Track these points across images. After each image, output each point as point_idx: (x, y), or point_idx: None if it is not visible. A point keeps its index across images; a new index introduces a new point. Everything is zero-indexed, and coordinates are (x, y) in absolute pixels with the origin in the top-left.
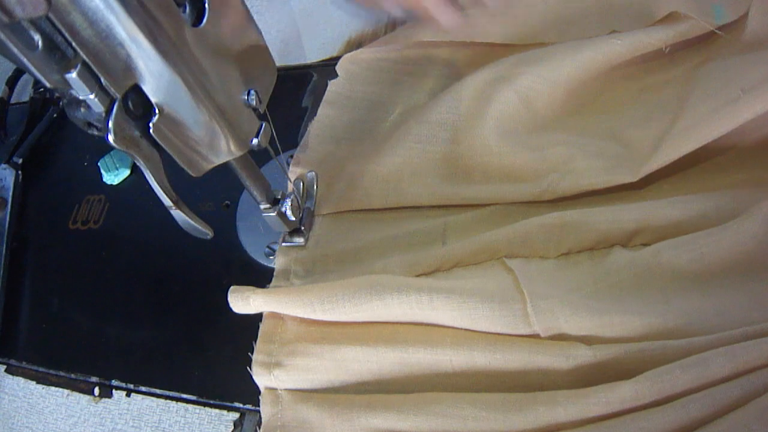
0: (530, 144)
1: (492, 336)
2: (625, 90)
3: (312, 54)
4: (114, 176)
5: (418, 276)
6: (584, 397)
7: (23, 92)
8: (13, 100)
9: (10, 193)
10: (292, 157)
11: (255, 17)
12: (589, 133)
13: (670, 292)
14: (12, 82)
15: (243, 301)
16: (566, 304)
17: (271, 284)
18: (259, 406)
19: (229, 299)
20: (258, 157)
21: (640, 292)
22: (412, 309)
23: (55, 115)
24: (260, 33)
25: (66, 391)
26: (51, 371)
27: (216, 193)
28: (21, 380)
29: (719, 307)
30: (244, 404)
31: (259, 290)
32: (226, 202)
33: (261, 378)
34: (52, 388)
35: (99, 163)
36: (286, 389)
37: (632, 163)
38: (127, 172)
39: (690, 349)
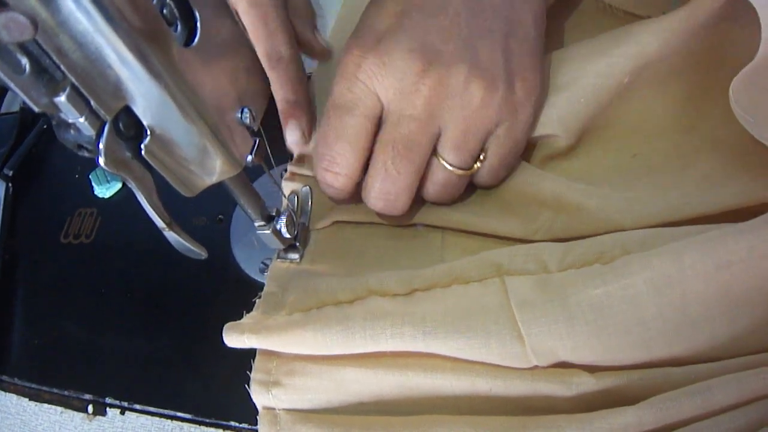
0: (525, 177)
1: (493, 365)
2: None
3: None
4: (105, 189)
5: (414, 291)
6: (587, 422)
7: (13, 102)
8: (3, 110)
9: (1, 206)
10: (286, 170)
11: None
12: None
13: (696, 315)
14: (1, 92)
15: (238, 340)
16: (567, 340)
17: (260, 305)
18: (256, 425)
19: (225, 337)
20: (251, 172)
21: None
22: (408, 348)
23: (45, 126)
24: (253, 49)
25: (60, 409)
26: (44, 388)
27: (209, 207)
28: (14, 397)
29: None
30: (241, 423)
31: (254, 327)
32: (220, 216)
33: (259, 397)
34: (45, 405)
35: (90, 176)
36: (284, 409)
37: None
38: (118, 185)
39: (694, 377)
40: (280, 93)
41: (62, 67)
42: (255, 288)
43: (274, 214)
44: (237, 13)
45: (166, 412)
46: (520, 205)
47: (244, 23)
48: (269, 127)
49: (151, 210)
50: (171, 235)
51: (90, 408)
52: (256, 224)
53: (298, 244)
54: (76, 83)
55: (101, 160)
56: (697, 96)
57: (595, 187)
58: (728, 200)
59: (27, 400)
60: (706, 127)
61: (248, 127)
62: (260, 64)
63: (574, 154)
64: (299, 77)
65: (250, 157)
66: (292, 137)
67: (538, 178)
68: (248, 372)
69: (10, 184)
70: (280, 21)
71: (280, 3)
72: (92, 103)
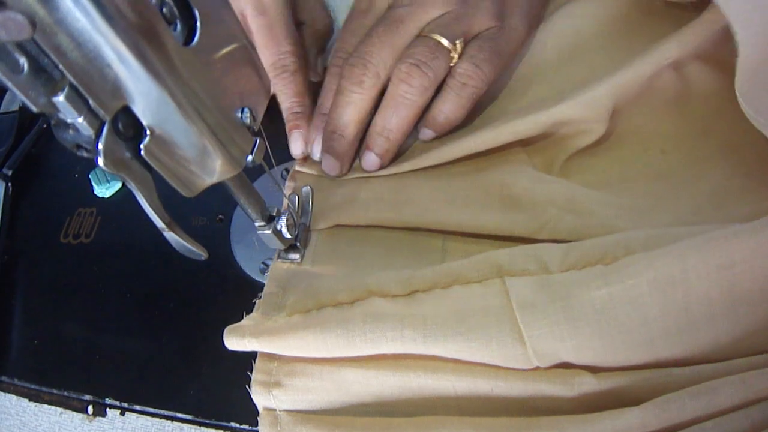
0: (533, 175)
1: (494, 366)
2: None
3: None
4: (105, 189)
5: (414, 292)
6: (590, 423)
7: (12, 101)
8: (2, 109)
9: (0, 206)
10: (287, 170)
11: None
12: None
13: (697, 315)
14: (0, 92)
15: (239, 343)
16: (569, 342)
17: (260, 306)
18: (256, 426)
19: (225, 341)
20: (251, 171)
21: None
22: (408, 350)
23: (45, 126)
24: (254, 48)
25: (59, 409)
26: (44, 389)
27: (209, 207)
28: (13, 397)
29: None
30: (241, 424)
31: (255, 330)
32: (220, 216)
33: (260, 398)
34: (45, 405)
35: (90, 176)
36: (284, 410)
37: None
38: (118, 185)
39: (698, 377)
40: (285, 103)
41: (60, 66)
42: (255, 288)
43: (274, 214)
44: (245, 19)
45: (166, 413)
46: (527, 202)
47: (251, 30)
48: (269, 127)
49: (151, 210)
50: (171, 236)
51: (90, 409)
52: (257, 224)
53: (298, 244)
54: (75, 83)
55: (100, 161)
56: (714, 99)
57: (609, 196)
58: (738, 218)
59: (26, 400)
60: (721, 131)
61: (248, 127)
62: (261, 64)
63: (600, 151)
64: (304, 87)
65: (250, 157)
66: (296, 147)
67: (550, 181)
68: (249, 372)
69: (9, 184)
70: (287, 31)
71: (287, 13)
72: (91, 102)
